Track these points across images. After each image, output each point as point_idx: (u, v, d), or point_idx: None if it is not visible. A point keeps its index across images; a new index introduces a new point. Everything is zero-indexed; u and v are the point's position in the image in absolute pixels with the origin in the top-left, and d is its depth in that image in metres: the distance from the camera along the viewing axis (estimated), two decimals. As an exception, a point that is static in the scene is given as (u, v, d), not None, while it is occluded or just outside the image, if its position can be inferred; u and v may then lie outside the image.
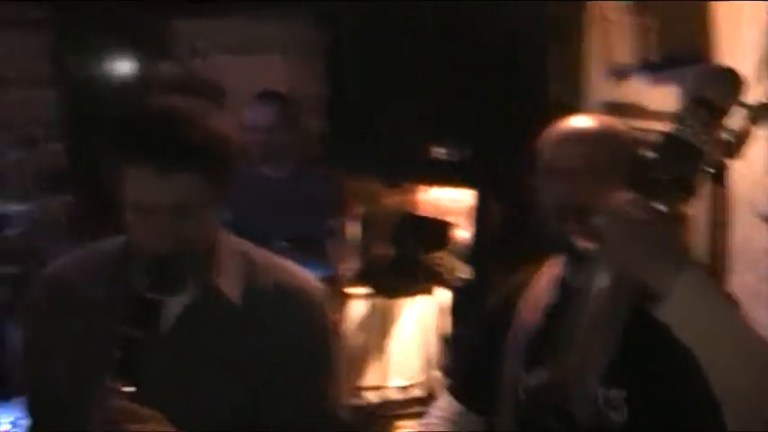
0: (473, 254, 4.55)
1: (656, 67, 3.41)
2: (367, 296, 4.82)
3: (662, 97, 3.26)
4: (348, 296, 4.43)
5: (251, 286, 1.84)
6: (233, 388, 1.78)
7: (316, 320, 1.88)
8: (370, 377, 4.94)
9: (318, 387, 1.87)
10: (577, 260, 1.83)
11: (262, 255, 1.92)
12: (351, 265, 4.22)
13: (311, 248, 3.69)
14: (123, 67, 5.08)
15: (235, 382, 1.78)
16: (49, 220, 4.54)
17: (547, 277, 1.99)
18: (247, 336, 1.80)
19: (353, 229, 4.26)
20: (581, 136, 1.90)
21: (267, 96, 4.04)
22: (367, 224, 4.61)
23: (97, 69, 5.03)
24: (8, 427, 3.47)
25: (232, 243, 1.88)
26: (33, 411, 1.94)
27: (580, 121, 1.94)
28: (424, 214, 5.13)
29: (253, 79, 4.66)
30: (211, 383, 1.78)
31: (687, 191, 1.45)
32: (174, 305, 1.77)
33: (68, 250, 1.96)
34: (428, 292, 4.93)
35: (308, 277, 1.94)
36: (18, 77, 5.08)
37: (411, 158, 4.60)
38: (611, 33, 3.72)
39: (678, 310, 1.41)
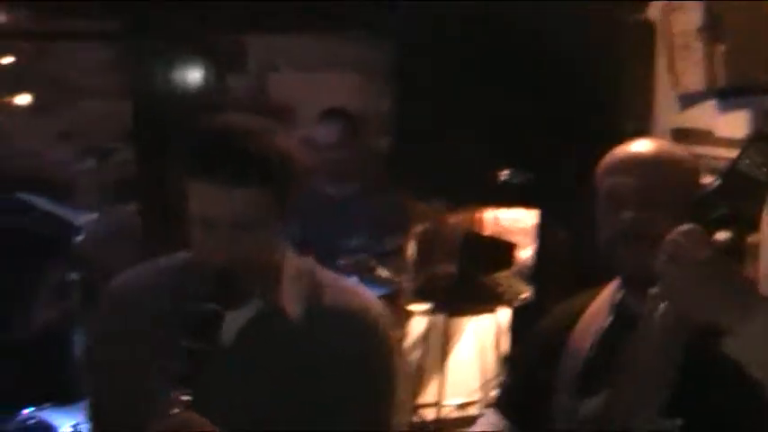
0: (534, 274, 4.53)
1: (724, 94, 3.38)
2: (427, 314, 4.83)
3: (730, 124, 3.23)
4: (409, 313, 4.44)
5: (313, 305, 1.85)
6: (288, 405, 1.80)
7: (376, 344, 1.88)
8: (427, 394, 4.94)
9: (374, 411, 1.87)
10: (636, 287, 1.82)
11: (326, 274, 1.93)
12: (412, 283, 4.24)
13: (374, 267, 3.71)
14: (194, 80, 5.15)
15: (290, 399, 1.80)
16: (117, 229, 4.62)
17: (604, 302, 1.98)
18: (306, 354, 1.82)
19: (416, 248, 4.28)
20: (642, 162, 1.89)
21: (333, 114, 4.07)
22: (429, 243, 4.63)
23: (169, 82, 5.11)
24: (70, 430, 3.53)
25: (296, 261, 1.90)
26: (95, 418, 1.98)
27: (642, 146, 1.93)
28: (486, 234, 5.12)
29: (321, 96, 4.70)
30: (267, 398, 1.80)
31: (749, 225, 1.44)
32: (236, 319, 1.79)
33: (135, 261, 2.00)
34: (489, 311, 4.93)
35: (371, 299, 1.94)
36: (92, 88, 5.19)
37: (475, 179, 4.59)
38: (681, 59, 3.69)
39: (751, 347, 1.38)
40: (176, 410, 1.62)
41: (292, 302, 1.84)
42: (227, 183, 1.68)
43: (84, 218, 4.04)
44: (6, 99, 5.36)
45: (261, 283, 1.81)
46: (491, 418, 2.18)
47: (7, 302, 4.35)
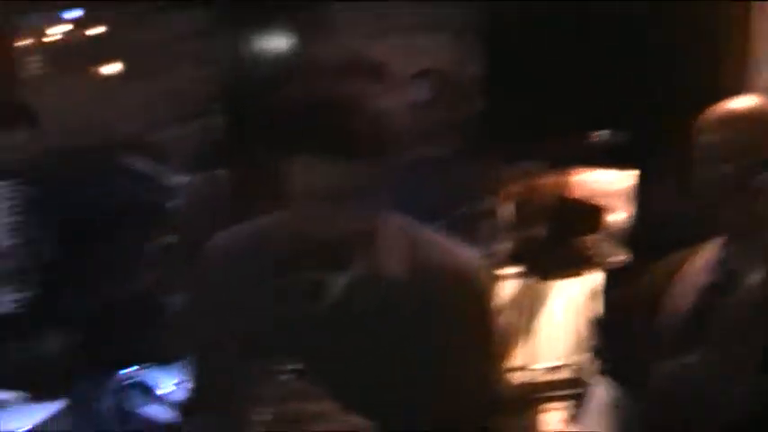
0: (629, 237, 4.48)
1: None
2: (518, 277, 4.81)
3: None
4: (499, 277, 4.43)
5: (415, 264, 1.84)
6: (394, 367, 1.79)
7: (480, 300, 1.87)
8: (517, 358, 4.93)
9: (480, 366, 1.87)
10: (737, 243, 1.79)
11: (426, 233, 1.92)
12: (503, 246, 4.22)
13: (466, 228, 3.70)
14: (285, 46, 5.18)
15: (395, 361, 1.79)
16: (208, 193, 4.69)
17: (705, 260, 1.94)
18: (410, 314, 1.81)
19: (508, 211, 4.25)
20: (741, 116, 1.87)
21: (426, 73, 4.06)
22: (521, 206, 4.59)
23: (260, 48, 5.15)
24: (172, 389, 3.60)
25: (396, 222, 1.89)
26: (197, 381, 1.99)
27: (741, 102, 1.91)
28: (579, 196, 5.06)
29: (414, 59, 4.69)
30: (371, 362, 1.79)
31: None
32: (337, 283, 1.79)
33: (229, 225, 2.01)
34: (580, 274, 4.88)
35: (472, 255, 1.93)
36: (185, 55, 5.26)
37: (569, 140, 4.55)
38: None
39: None
40: (284, 379, 1.62)
41: (393, 264, 1.83)
42: (328, 154, 1.67)
43: (179, 180, 4.11)
44: (103, 66, 5.47)
45: (361, 247, 1.81)
46: (599, 392, 2.16)
47: (108, 265, 4.45)
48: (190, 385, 2.01)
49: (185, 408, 2.01)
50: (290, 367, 1.63)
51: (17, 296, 4.37)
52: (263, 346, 1.68)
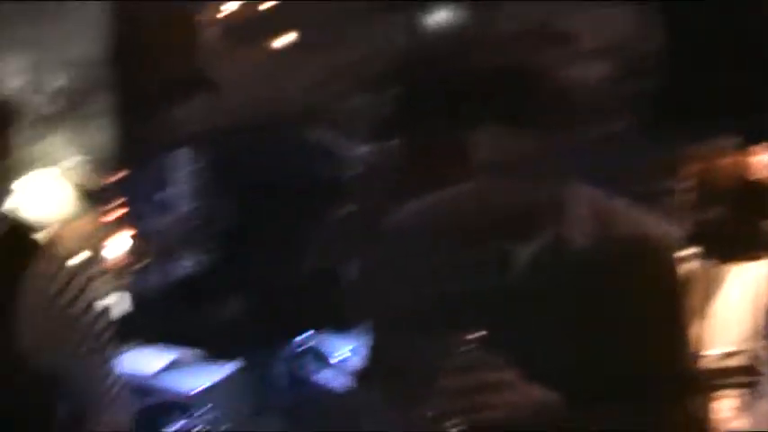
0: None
1: None
2: (695, 258, 4.67)
3: None
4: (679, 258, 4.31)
5: (604, 235, 1.81)
6: (579, 337, 1.77)
7: (670, 272, 1.84)
8: (691, 342, 4.79)
9: (670, 340, 1.84)
10: None
11: (617, 204, 1.89)
12: (683, 227, 4.10)
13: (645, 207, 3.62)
14: (464, 17, 5.14)
15: (581, 332, 1.77)
16: (384, 163, 4.72)
17: None
18: (598, 285, 1.79)
19: (687, 190, 4.13)
20: None
21: (610, 47, 3.98)
22: (702, 185, 4.45)
23: (438, 21, 5.13)
24: (348, 354, 3.65)
25: (585, 193, 1.87)
26: (375, 350, 2.00)
27: None
28: (762, 178, 4.87)
29: (599, 31, 4.59)
30: (557, 332, 1.78)
31: None
32: (523, 254, 1.79)
33: (406, 196, 2.01)
34: (760, 258, 4.70)
35: (664, 227, 1.90)
36: (363, 26, 5.29)
37: (754, 119, 4.37)
38: None
39: None
40: (467, 349, 1.63)
41: (581, 235, 1.81)
42: (516, 124, 1.68)
43: (357, 152, 4.14)
44: (280, 38, 5.55)
45: (548, 218, 1.80)
46: None
47: (286, 233, 4.54)
48: (366, 353, 2.03)
49: (360, 375, 2.03)
50: (473, 337, 1.63)
51: (197, 260, 4.51)
52: (446, 316, 1.69)
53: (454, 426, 1.63)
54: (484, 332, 1.64)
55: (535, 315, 1.78)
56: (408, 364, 1.78)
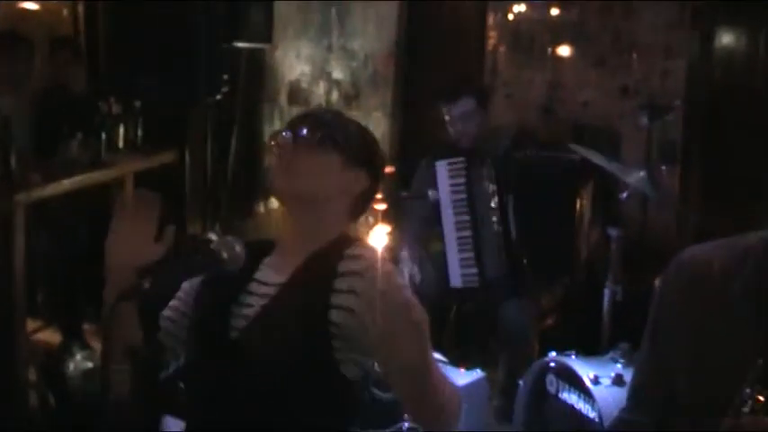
0: None
1: None
2: None
3: None
4: None
5: None
6: None
7: None
8: None
9: None
10: None
11: None
12: None
13: None
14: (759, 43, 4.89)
15: None
16: (658, 189, 4.58)
17: None
18: None
19: None
20: None
21: None
22: None
23: (727, 44, 4.92)
24: (591, 377, 3.58)
25: None
26: (647, 398, 1.90)
27: None
28: None
29: None
30: None
31: None
32: None
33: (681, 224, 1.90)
34: None
35: None
36: (654, 46, 5.16)
37: None
38: None
39: None
40: (749, 409, 1.54)
41: None
42: None
43: (632, 175, 4.04)
44: (566, 49, 5.51)
45: None
46: None
47: (559, 247, 4.49)
48: (631, 386, 1.95)
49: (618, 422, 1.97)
50: (756, 396, 1.53)
51: (476, 271, 4.54)
52: (731, 369, 1.59)
53: None
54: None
55: None
56: (684, 411, 1.72)
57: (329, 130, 2.07)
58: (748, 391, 1.54)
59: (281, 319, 1.99)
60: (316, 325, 1.94)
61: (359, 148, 2.10)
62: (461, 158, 4.56)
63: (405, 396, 2.17)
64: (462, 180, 4.57)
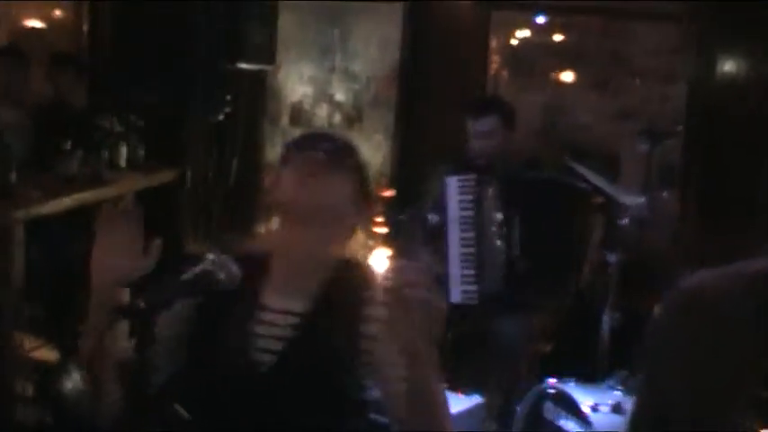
0: None
1: None
2: None
3: None
4: None
5: None
6: None
7: None
8: None
9: None
10: None
11: None
12: None
13: None
14: (751, 68, 4.89)
15: None
16: (657, 214, 4.58)
17: None
18: None
19: None
20: None
21: None
22: None
23: (725, 69, 4.92)
24: (593, 407, 3.56)
25: None
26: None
27: None
28: None
29: None
30: None
31: None
32: None
33: (672, 249, 1.89)
34: None
35: None
36: (652, 70, 5.17)
37: None
38: None
39: None
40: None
41: None
42: None
43: (631, 200, 4.03)
44: (567, 73, 5.52)
45: None
46: None
47: (558, 267, 4.48)
48: (630, 416, 1.93)
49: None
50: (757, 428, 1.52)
51: (476, 288, 4.52)
52: (731, 398, 1.58)
53: None
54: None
55: None
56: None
57: (352, 152, 2.12)
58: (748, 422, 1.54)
59: (314, 351, 2.01)
60: (348, 354, 1.98)
61: (368, 178, 2.16)
62: (473, 176, 4.55)
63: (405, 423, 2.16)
64: (471, 197, 4.57)
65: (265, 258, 2.15)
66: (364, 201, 2.14)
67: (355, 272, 2.08)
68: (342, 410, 2.03)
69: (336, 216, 2.07)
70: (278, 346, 2.03)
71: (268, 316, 2.07)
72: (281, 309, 2.07)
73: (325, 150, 2.07)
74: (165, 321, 2.10)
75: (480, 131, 4.53)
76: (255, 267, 2.10)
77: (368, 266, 2.12)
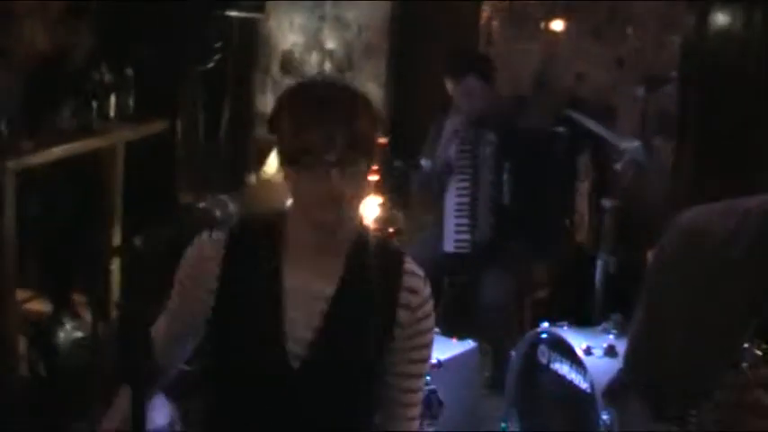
0: None
1: None
2: None
3: None
4: None
5: None
6: None
7: None
8: None
9: None
10: None
11: None
12: None
13: None
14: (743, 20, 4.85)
15: None
16: (653, 160, 4.58)
17: None
18: None
19: None
20: None
21: None
22: None
23: (731, 17, 4.88)
24: (587, 350, 3.58)
25: None
26: (642, 360, 1.88)
27: None
28: None
29: None
30: None
31: None
32: None
33: (665, 194, 1.88)
34: None
35: None
36: (646, 19, 5.13)
37: None
38: None
39: None
40: (753, 364, 1.52)
41: None
42: None
43: (627, 144, 4.04)
44: (560, 22, 5.47)
45: None
46: None
47: (553, 213, 4.50)
48: (627, 349, 1.93)
49: (615, 383, 1.95)
50: (753, 350, 1.52)
51: (469, 238, 4.56)
52: (730, 330, 1.58)
53: None
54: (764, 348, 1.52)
55: None
56: (679, 371, 1.70)
57: (363, 141, 1.98)
58: (747, 345, 1.53)
59: (349, 329, 2.02)
60: (383, 328, 2.01)
61: (374, 142, 2.05)
62: (469, 127, 4.57)
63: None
64: (468, 147, 4.58)
65: (281, 223, 2.08)
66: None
67: (367, 238, 2.07)
68: (373, 386, 2.06)
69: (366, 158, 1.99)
70: (307, 335, 2.01)
71: (297, 297, 2.03)
72: (309, 289, 2.03)
73: (347, 92, 2.03)
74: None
75: (462, 92, 4.55)
76: (271, 237, 2.05)
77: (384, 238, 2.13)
